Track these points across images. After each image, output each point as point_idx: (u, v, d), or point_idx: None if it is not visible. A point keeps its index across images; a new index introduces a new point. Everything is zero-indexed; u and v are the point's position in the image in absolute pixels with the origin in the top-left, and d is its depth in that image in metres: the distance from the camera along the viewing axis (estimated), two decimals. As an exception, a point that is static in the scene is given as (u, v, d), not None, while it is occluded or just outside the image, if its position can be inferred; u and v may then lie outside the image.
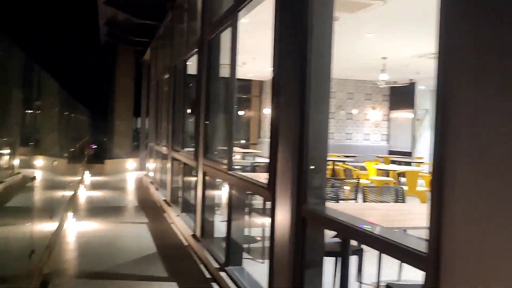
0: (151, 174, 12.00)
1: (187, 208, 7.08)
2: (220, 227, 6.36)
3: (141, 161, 15.16)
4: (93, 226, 6.62)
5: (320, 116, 2.73)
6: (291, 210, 2.83)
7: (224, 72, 5.63)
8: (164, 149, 9.29)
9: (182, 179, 7.30)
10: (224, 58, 5.56)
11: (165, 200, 8.45)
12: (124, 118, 15.47)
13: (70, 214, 6.94)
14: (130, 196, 9.79)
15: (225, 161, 4.59)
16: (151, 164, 12.25)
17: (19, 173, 11.37)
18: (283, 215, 2.95)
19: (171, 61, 8.58)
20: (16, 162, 10.98)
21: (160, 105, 10.76)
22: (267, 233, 3.74)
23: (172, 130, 8.24)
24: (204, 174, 5.58)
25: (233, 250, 4.50)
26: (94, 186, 10.97)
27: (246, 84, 16.95)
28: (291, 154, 2.87)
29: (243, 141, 16.40)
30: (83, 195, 9.47)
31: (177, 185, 8.04)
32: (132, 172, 14.26)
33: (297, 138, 2.80)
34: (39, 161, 12.56)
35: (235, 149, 13.03)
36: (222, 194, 6.40)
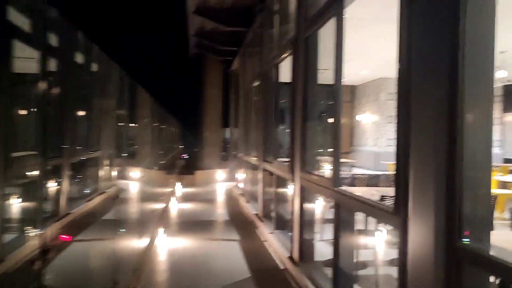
0: (240, 185, 11.64)
1: (282, 224, 6.49)
2: (320, 248, 5.68)
3: (230, 171, 14.93)
4: (183, 243, 6.27)
5: (480, 118, 1.97)
6: (435, 247, 2.09)
7: (322, 77, 4.99)
8: (254, 160, 8.83)
9: (275, 192, 6.73)
10: (322, 61, 4.93)
11: (256, 215, 7.95)
12: (213, 129, 15.40)
13: (161, 230, 6.68)
14: (220, 209, 9.44)
15: (329, 176, 3.92)
16: (241, 175, 11.91)
17: (114, 184, 11.47)
18: (422, 252, 2.21)
19: (261, 67, 8.10)
20: (113, 173, 11.04)
21: (249, 114, 10.36)
22: (372, 256, 2.99)
23: (263, 140, 7.73)
24: (302, 189, 4.95)
25: (342, 279, 3.79)
26: (185, 198, 10.82)
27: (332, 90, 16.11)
28: (434, 169, 2.13)
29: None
30: (174, 207, 9.30)
31: (269, 198, 7.50)
32: (221, 183, 14.06)
33: (442, 148, 2.06)
34: (134, 173, 12.60)
35: (325, 158, 12.27)
36: (316, 207, 5.69)
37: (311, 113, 4.93)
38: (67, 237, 6.18)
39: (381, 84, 12.97)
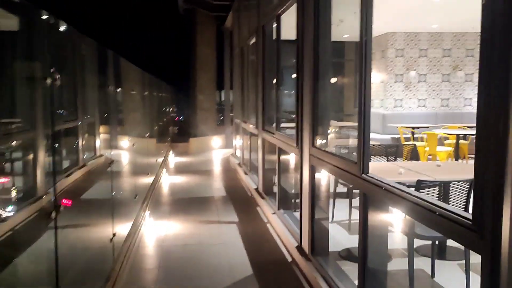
0: (238, 153, 10.79)
1: (287, 204, 5.65)
2: (335, 235, 4.86)
3: (227, 138, 14.05)
4: (174, 228, 5.44)
5: None
6: None
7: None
8: (252, 128, 7.91)
9: (277, 166, 5.86)
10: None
11: (256, 190, 7.11)
12: (207, 92, 14.36)
13: (147, 213, 5.84)
14: (216, 182, 8.59)
15: (352, 158, 3.02)
16: (238, 142, 11.04)
17: (101, 155, 10.39)
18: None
19: (259, 21, 7.03)
20: (97, 143, 9.85)
21: (246, 76, 9.35)
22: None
23: (262, 106, 6.78)
24: (313, 169, 4.06)
25: (372, 279, 2.96)
26: (178, 170, 9.97)
27: (339, 47, 14.98)
28: None
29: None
30: (165, 181, 8.46)
31: (271, 170, 6.65)
32: (218, 151, 13.20)
33: None
34: (122, 141, 11.63)
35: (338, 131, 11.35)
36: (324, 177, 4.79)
37: (323, 75, 3.97)
38: (68, 201, 5.58)
39: (388, 39, 11.88)
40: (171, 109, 19.03)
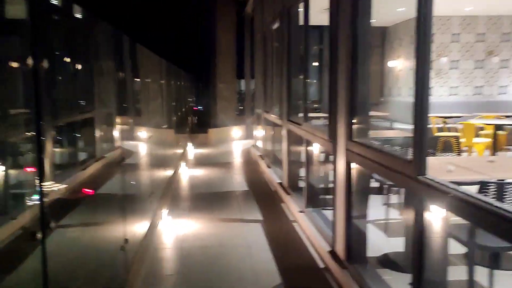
0: (259, 144, 10.35)
1: (315, 201, 5.20)
2: (373, 238, 4.38)
3: (247, 128, 13.62)
4: (194, 227, 5.05)
5: None
6: None
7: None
8: (275, 119, 7.46)
9: (306, 160, 5.40)
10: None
11: (280, 184, 6.67)
12: (227, 81, 13.92)
13: (165, 210, 5.48)
14: (238, 176, 8.18)
15: (406, 156, 2.55)
16: (259, 133, 10.61)
17: (119, 147, 9.95)
18: None
19: (283, 2, 6.53)
20: (115, 134, 9.40)
21: (270, 63, 8.87)
22: None
23: (288, 95, 6.31)
24: (349, 165, 3.60)
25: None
26: (197, 162, 9.60)
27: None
28: None
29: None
30: (184, 175, 8.09)
31: (296, 164, 6.21)
32: (238, 142, 12.79)
33: None
34: (140, 133, 11.23)
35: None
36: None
37: (362, 61, 3.48)
38: (90, 191, 5.38)
39: (419, 24, 11.21)
40: (190, 99, 18.67)
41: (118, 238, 3.53)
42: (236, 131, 13.26)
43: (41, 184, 1.97)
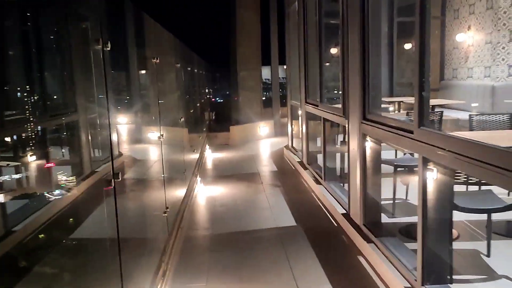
0: (297, 145, 8.07)
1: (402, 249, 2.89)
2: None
3: (276, 124, 11.32)
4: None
5: None
6: None
7: None
8: (326, 113, 5.15)
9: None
10: None
11: (347, 216, 4.35)
12: (251, 67, 11.58)
13: (171, 269, 3.25)
14: (274, 198, 5.77)
15: None
16: (295, 129, 8.34)
17: (120, 154, 7.64)
18: None
19: None
20: (115, 138, 7.02)
21: (308, 42, 6.53)
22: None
23: (362, 84, 3.97)
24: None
25: None
26: (216, 174, 7.33)
27: (410, 3, 11.68)
28: None
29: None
30: (199, 198, 5.84)
31: (367, 180, 3.89)
32: (266, 141, 10.50)
33: None
34: (149, 134, 8.76)
35: (404, 99, 8.37)
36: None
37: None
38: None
39: (496, -16, 8.67)
40: (207, 90, 16.39)
41: None
42: (263, 128, 10.97)
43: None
